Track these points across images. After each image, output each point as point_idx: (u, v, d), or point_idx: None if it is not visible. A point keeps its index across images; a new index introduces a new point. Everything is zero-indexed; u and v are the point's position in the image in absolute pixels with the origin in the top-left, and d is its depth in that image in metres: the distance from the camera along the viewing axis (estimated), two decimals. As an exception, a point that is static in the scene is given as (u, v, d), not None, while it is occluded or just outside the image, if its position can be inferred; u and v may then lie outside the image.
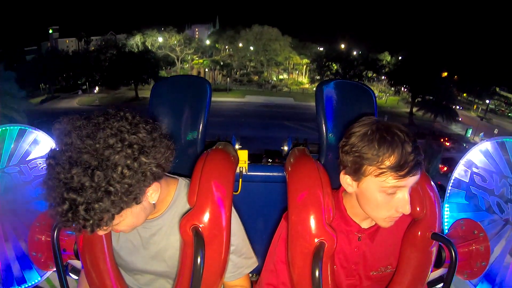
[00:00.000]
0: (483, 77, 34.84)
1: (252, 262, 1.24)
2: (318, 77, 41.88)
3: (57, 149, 0.86)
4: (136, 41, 39.01)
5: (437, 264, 1.22)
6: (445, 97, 32.49)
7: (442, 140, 25.62)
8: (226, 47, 43.99)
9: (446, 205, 1.55)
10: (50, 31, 40.72)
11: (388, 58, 41.38)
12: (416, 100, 34.94)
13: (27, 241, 1.31)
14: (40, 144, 1.51)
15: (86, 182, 0.80)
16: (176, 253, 1.12)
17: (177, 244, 1.12)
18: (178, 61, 41.12)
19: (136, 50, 38.04)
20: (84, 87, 37.20)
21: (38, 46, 38.42)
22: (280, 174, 1.56)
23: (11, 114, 14.78)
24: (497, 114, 38.22)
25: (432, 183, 1.20)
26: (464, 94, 40.78)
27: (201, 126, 1.47)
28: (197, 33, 46.81)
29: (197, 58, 42.96)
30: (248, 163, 1.54)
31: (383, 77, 41.62)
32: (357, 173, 1.03)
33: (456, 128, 32.87)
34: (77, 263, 1.36)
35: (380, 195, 1.01)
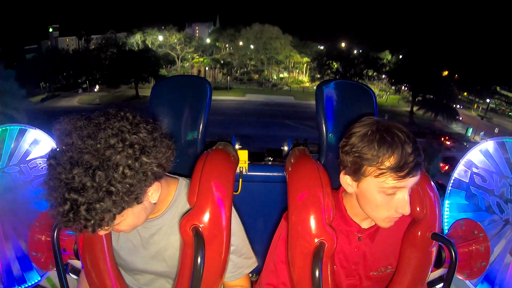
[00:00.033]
0: (483, 76, 34.78)
1: (252, 262, 1.24)
2: (318, 76, 41.81)
3: (58, 149, 0.86)
4: (136, 40, 38.93)
5: (437, 264, 1.22)
6: (446, 96, 32.43)
7: (442, 139, 25.58)
8: (227, 45, 43.91)
9: (446, 205, 1.55)
10: (50, 30, 40.68)
11: (389, 56, 41.30)
12: (416, 99, 34.88)
13: (27, 241, 1.31)
14: (40, 144, 1.51)
15: (87, 182, 0.81)
16: (176, 253, 1.12)
17: (177, 244, 1.12)
18: (178, 59, 41.06)
19: (137, 48, 37.96)
20: (85, 85, 37.17)
21: (38, 45, 38.36)
22: (280, 174, 1.56)
23: (11, 113, 14.81)
24: (497, 113, 38.16)
25: (432, 183, 1.20)
26: (465, 93, 40.73)
27: (201, 126, 1.46)
28: (197, 31, 46.76)
29: (197, 57, 42.88)
30: (249, 163, 1.54)
31: (383, 76, 41.53)
32: (357, 173, 1.03)
33: (456, 127, 32.83)
34: (77, 263, 1.36)
35: (380, 195, 1.01)
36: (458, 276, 1.34)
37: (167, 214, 1.11)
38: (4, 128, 1.45)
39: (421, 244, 1.14)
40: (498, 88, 38.11)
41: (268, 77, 43.98)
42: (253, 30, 41.31)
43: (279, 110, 32.70)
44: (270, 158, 1.79)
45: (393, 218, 1.05)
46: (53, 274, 1.43)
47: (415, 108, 34.24)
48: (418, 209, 1.14)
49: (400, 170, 0.95)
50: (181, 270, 1.08)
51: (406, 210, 1.01)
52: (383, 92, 42.33)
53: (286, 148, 1.56)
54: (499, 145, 1.42)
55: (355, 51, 42.61)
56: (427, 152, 16.72)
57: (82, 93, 36.71)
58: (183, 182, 1.16)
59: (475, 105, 40.03)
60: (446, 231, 1.46)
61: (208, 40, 44.49)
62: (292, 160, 1.25)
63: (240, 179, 1.51)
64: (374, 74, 41.50)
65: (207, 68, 43.18)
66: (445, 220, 1.53)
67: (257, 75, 43.72)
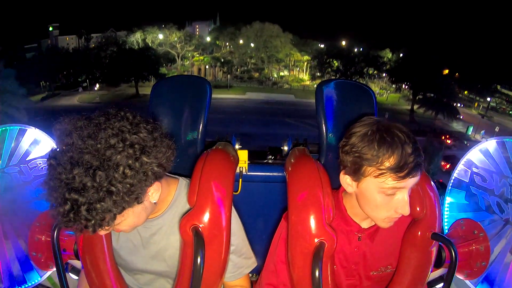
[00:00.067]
0: (484, 75, 34.75)
1: (252, 262, 1.24)
2: (319, 74, 41.78)
3: (58, 149, 0.86)
4: (136, 38, 38.89)
5: (437, 264, 1.22)
6: (446, 94, 32.43)
7: (443, 137, 25.56)
8: (227, 44, 43.87)
9: (446, 205, 1.55)
10: (50, 29, 40.62)
11: (389, 55, 41.25)
12: (417, 98, 34.87)
13: (27, 241, 1.31)
14: (40, 144, 1.51)
15: (88, 182, 0.81)
16: (176, 252, 1.13)
17: (177, 244, 1.12)
18: (178, 58, 41.02)
19: (137, 47, 37.92)
20: (85, 84, 37.14)
21: (38, 43, 38.29)
22: (280, 174, 1.55)
23: (11, 112, 14.80)
24: (498, 112, 38.10)
25: (432, 183, 1.19)
26: (465, 92, 40.70)
27: (201, 126, 1.46)
28: (197, 30, 46.71)
29: (197, 55, 42.82)
30: (249, 163, 1.54)
31: (384, 74, 41.46)
32: (356, 173, 1.03)
33: (457, 126, 32.81)
34: (77, 263, 1.36)
35: (380, 195, 1.01)
36: (458, 276, 1.34)
37: (167, 214, 1.11)
38: (4, 128, 1.45)
39: (421, 244, 1.14)
40: (498, 87, 38.07)
41: (268, 75, 43.95)
42: (253, 28, 41.25)
43: (280, 109, 32.70)
44: (271, 156, 1.79)
45: (393, 218, 1.05)
46: (53, 273, 1.43)
47: (415, 107, 34.24)
48: (418, 209, 1.14)
49: (400, 170, 0.95)
50: (181, 270, 1.08)
51: (406, 211, 1.01)
52: (384, 91, 42.28)
53: (286, 148, 1.56)
54: (499, 144, 1.42)
55: (356, 50, 42.60)
56: (428, 151, 16.71)
57: (82, 92, 36.70)
58: (183, 182, 1.16)
59: (476, 104, 39.98)
60: (446, 231, 1.46)
61: (208, 39, 44.45)
62: (292, 160, 1.25)
63: (240, 179, 1.50)
64: (375, 72, 41.43)
65: (207, 67, 43.14)
66: (445, 220, 1.53)
67: (258, 74, 43.68)
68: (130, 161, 0.86)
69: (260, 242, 1.40)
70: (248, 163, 1.53)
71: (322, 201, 1.07)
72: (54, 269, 1.31)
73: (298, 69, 45.48)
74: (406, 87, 39.89)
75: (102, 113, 0.92)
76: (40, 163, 1.48)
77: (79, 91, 36.81)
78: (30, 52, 35.85)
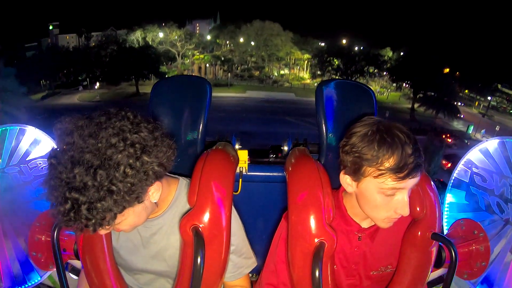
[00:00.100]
0: (485, 74, 34.68)
1: (252, 262, 1.24)
2: (319, 73, 41.68)
3: (59, 148, 0.86)
4: (136, 37, 38.83)
5: (437, 264, 1.22)
6: (447, 93, 32.33)
7: (443, 136, 25.50)
8: (227, 42, 43.77)
9: (446, 205, 1.55)
10: (50, 27, 40.56)
11: (390, 53, 41.15)
12: (417, 96, 34.78)
13: (27, 241, 1.31)
14: (40, 144, 1.50)
15: (89, 181, 0.81)
16: (176, 252, 1.13)
17: (178, 244, 1.12)
18: (179, 56, 40.97)
19: (137, 45, 37.85)
20: (85, 83, 37.07)
21: (38, 42, 38.25)
22: (280, 174, 1.55)
23: (11, 111, 14.79)
24: (498, 111, 38.00)
25: (432, 183, 1.19)
26: (466, 91, 40.63)
27: (201, 126, 1.46)
28: (198, 28, 46.60)
29: (198, 54, 42.73)
30: (249, 163, 1.54)
31: (384, 73, 41.36)
32: (356, 173, 1.03)
33: (457, 125, 32.77)
34: (77, 263, 1.37)
35: (379, 196, 1.01)
36: (458, 276, 1.35)
37: (168, 213, 1.11)
38: (4, 128, 1.45)
39: (421, 244, 1.14)
40: (499, 86, 37.94)
41: (268, 73, 43.88)
42: (253, 26, 41.15)
43: (280, 107, 32.64)
44: (273, 155, 1.79)
45: (392, 218, 1.05)
46: (53, 272, 1.43)
47: (416, 105, 34.16)
48: (418, 209, 1.14)
49: (400, 171, 0.95)
50: (181, 270, 1.08)
51: (405, 211, 1.01)
52: (384, 89, 42.20)
53: (286, 148, 1.56)
54: (499, 145, 1.42)
55: (356, 48, 42.48)
56: (429, 150, 16.69)
57: (83, 91, 36.65)
58: (183, 181, 1.16)
59: (476, 103, 39.91)
60: (446, 231, 1.46)
61: (208, 37, 44.37)
62: (292, 160, 1.25)
63: (240, 179, 1.50)
64: (375, 71, 41.32)
65: (207, 65, 43.08)
66: (445, 220, 1.53)
67: (258, 72, 43.60)
68: (131, 161, 0.86)
69: (260, 242, 1.41)
70: (249, 163, 1.53)
71: (322, 201, 1.07)
72: (54, 269, 1.31)
73: (298, 67, 45.39)
74: (407, 85, 39.80)
75: (103, 112, 0.92)
76: (40, 163, 1.48)
77: (80, 90, 36.75)
78: (30, 51, 35.80)
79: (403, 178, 0.95)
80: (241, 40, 42.12)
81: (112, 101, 32.25)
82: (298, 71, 45.44)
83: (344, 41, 43.46)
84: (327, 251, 1.03)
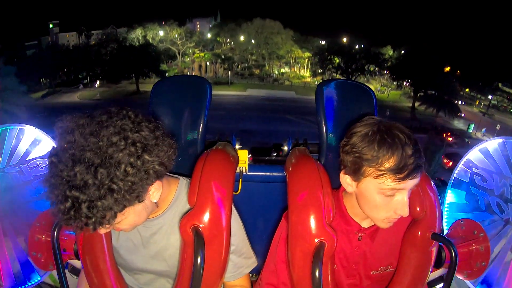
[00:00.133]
0: (485, 73, 34.64)
1: (252, 262, 1.24)
2: (320, 71, 41.65)
3: (60, 147, 0.86)
4: (137, 35, 38.75)
5: (437, 264, 1.22)
6: (448, 92, 32.27)
7: (444, 135, 25.52)
8: (228, 40, 43.75)
9: (446, 205, 1.54)
10: (51, 26, 40.45)
11: (391, 52, 41.03)
12: (418, 95, 34.73)
13: (27, 241, 1.31)
14: (40, 144, 1.50)
15: (89, 179, 0.81)
16: (176, 252, 1.13)
17: (178, 244, 1.12)
18: (179, 54, 40.93)
19: (137, 43, 37.77)
20: (85, 81, 37.04)
21: (38, 41, 38.14)
22: (280, 174, 1.55)
23: (11, 109, 14.79)
24: (499, 110, 37.92)
25: (432, 183, 1.19)
26: (467, 89, 40.55)
27: (201, 126, 1.46)
28: (198, 26, 46.58)
29: (198, 52, 42.71)
30: (249, 163, 1.54)
31: (385, 71, 41.29)
32: (356, 173, 1.03)
33: (458, 124, 32.74)
34: (77, 263, 1.37)
35: (379, 196, 1.01)
36: (458, 276, 1.35)
37: (168, 213, 1.11)
38: (4, 128, 1.45)
39: (421, 244, 1.14)
40: (500, 85, 37.87)
41: (269, 72, 43.82)
42: (254, 25, 41.07)
43: (280, 105, 32.61)
44: (276, 153, 1.79)
45: (392, 219, 1.05)
46: (54, 272, 1.43)
47: (416, 104, 34.12)
48: (418, 209, 1.14)
49: (400, 172, 0.95)
50: (181, 270, 1.08)
51: (405, 212, 1.01)
52: (385, 88, 42.14)
53: (286, 148, 1.56)
54: (499, 145, 1.42)
55: (357, 46, 42.42)
56: (429, 148, 16.71)
57: (83, 89, 36.63)
58: (183, 181, 1.17)
59: (477, 102, 39.84)
60: (446, 231, 1.46)
61: (209, 35, 44.35)
62: (292, 160, 1.25)
63: (240, 179, 1.50)
64: (376, 69, 41.28)
65: (208, 63, 43.02)
66: (445, 220, 1.53)
67: (258, 70, 43.55)
68: (131, 159, 0.86)
69: (260, 242, 1.41)
70: (250, 162, 1.54)
71: (322, 201, 1.07)
72: (54, 269, 1.31)
73: (299, 65, 45.30)
74: (407, 84, 39.79)
75: (104, 111, 0.92)
76: (40, 163, 1.47)
77: (80, 88, 36.72)
78: (31, 49, 35.70)
79: (403, 179, 0.95)
80: (242, 38, 42.06)
81: (113, 99, 32.25)
82: (298, 69, 45.36)
83: (344, 40, 43.40)
84: (327, 251, 1.03)
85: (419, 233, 1.14)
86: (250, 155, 1.53)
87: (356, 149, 1.00)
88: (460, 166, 1.52)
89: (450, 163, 18.33)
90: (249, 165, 1.53)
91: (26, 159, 1.47)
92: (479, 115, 34.97)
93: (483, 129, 29.14)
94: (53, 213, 0.85)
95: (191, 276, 0.97)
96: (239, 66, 43.74)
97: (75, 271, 1.39)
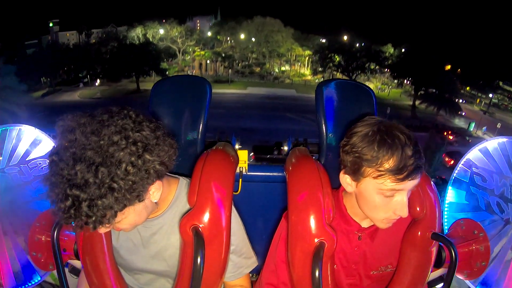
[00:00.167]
0: (486, 71, 34.61)
1: (252, 262, 1.24)
2: (320, 69, 41.59)
3: (61, 145, 0.86)
4: (137, 33, 38.71)
5: (437, 264, 1.22)
6: (448, 90, 32.24)
7: (445, 133, 25.52)
8: (228, 38, 43.66)
9: (446, 205, 1.54)
10: (51, 25, 40.35)
11: (391, 50, 40.94)
12: (419, 93, 34.68)
13: (27, 241, 1.31)
14: (40, 144, 1.50)
15: (90, 178, 0.81)
16: (176, 252, 1.13)
17: (178, 244, 1.12)
18: (179, 53, 40.90)
19: (137, 42, 37.75)
20: (86, 80, 37.05)
21: (38, 39, 38.04)
22: (280, 174, 1.56)
23: (11, 108, 14.80)
24: (500, 109, 37.83)
25: (432, 183, 1.19)
26: (467, 88, 40.50)
27: (201, 126, 1.46)
28: (198, 24, 46.45)
29: (198, 50, 42.65)
30: (250, 162, 1.54)
31: (386, 70, 41.22)
32: (356, 173, 1.03)
33: (459, 122, 32.70)
34: (77, 263, 1.37)
35: (378, 197, 1.01)
36: (458, 276, 1.35)
37: (168, 213, 1.12)
38: (4, 128, 1.45)
39: (421, 244, 1.14)
40: (500, 83, 37.82)
41: (269, 70, 43.78)
42: (254, 23, 41.03)
43: (281, 103, 32.60)
44: (277, 151, 1.79)
45: (391, 219, 1.05)
46: (54, 272, 1.44)
47: (417, 102, 34.09)
48: (418, 209, 1.15)
49: (399, 172, 0.95)
50: (181, 270, 1.08)
51: (404, 213, 1.01)
52: (385, 86, 42.10)
53: (286, 148, 1.56)
54: (499, 144, 1.41)
55: (357, 45, 42.31)
56: (430, 147, 16.68)
57: (83, 88, 36.63)
58: (183, 181, 1.17)
59: (478, 100, 39.78)
60: (446, 231, 1.46)
61: (209, 33, 44.23)
62: (292, 160, 1.25)
63: (240, 179, 1.51)
64: (376, 67, 41.20)
65: (208, 61, 43.02)
66: (445, 220, 1.53)
67: (259, 68, 43.52)
68: (132, 158, 0.86)
69: (260, 242, 1.41)
70: (250, 162, 1.54)
71: (322, 201, 1.07)
72: (54, 269, 1.31)
73: (299, 64, 45.26)
74: (408, 82, 39.74)
75: (105, 110, 0.92)
76: (40, 163, 1.47)
77: (80, 87, 36.73)
78: (31, 48, 35.62)
79: (403, 179, 0.95)
80: (242, 36, 42.01)
81: (113, 98, 32.25)
82: (299, 68, 45.33)
83: (345, 38, 43.30)
84: (327, 251, 1.03)
85: (419, 233, 1.14)
86: (252, 153, 1.52)
87: (356, 149, 1.00)
88: (460, 165, 1.52)
89: (452, 162, 18.31)
90: (249, 165, 1.53)
91: (26, 159, 1.47)
92: (480, 114, 34.93)
93: (484, 128, 29.12)
94: (54, 212, 0.85)
95: (191, 276, 0.97)
96: (240, 64, 43.71)
97: (75, 271, 1.40)
